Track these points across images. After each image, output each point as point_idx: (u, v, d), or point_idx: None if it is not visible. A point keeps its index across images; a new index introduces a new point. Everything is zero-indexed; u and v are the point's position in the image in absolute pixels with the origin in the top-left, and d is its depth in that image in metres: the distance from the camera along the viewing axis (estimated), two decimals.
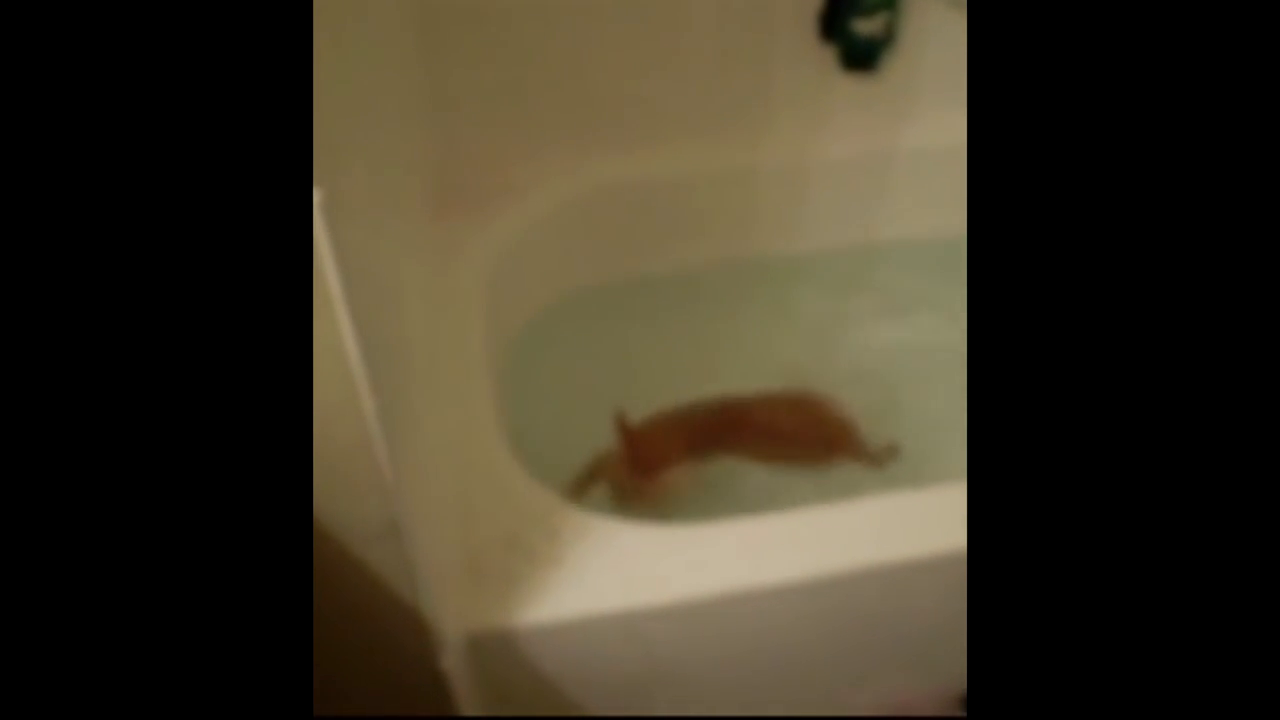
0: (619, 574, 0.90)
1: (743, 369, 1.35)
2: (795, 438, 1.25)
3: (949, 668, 1.10)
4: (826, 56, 1.35)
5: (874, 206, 1.50)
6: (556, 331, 1.39)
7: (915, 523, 0.96)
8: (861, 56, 1.35)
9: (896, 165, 1.46)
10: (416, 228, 1.12)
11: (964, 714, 1.15)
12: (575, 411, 1.33)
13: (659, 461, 1.12)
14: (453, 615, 0.84)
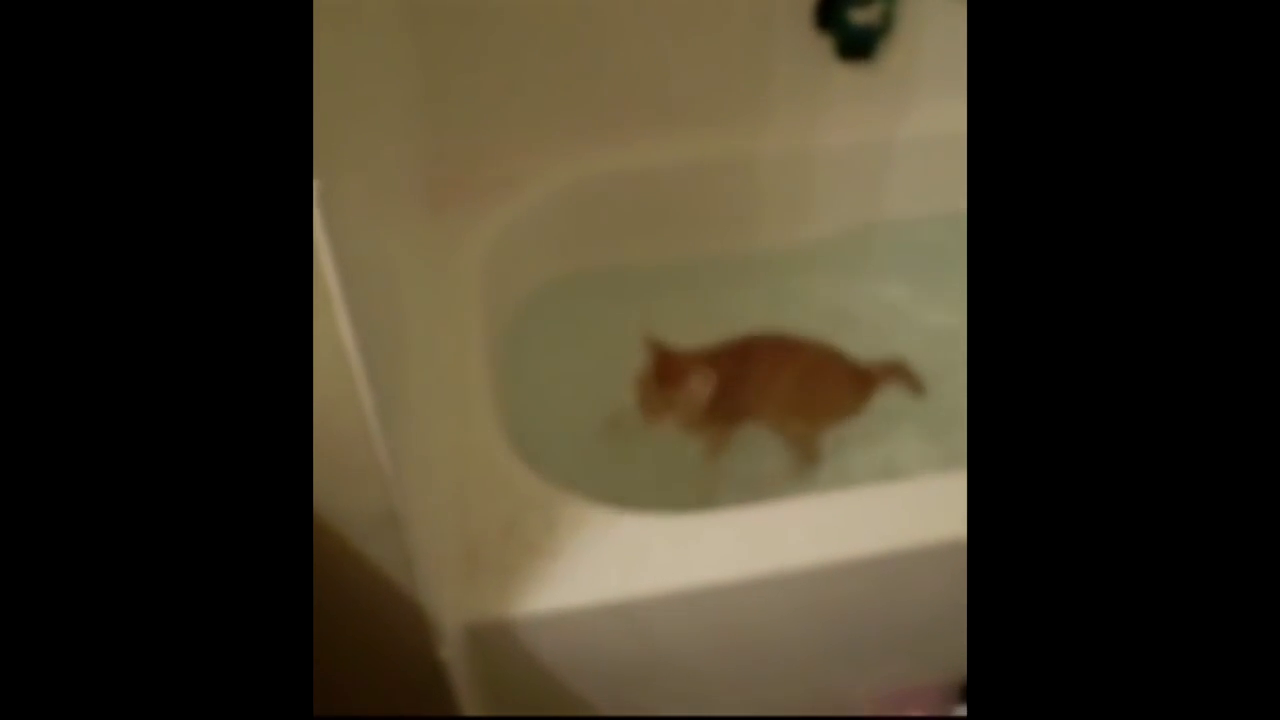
0: (617, 563, 0.91)
1: None
2: (824, 367, 1.25)
3: (949, 657, 1.10)
4: (823, 46, 1.35)
5: (872, 195, 1.50)
6: (554, 320, 1.39)
7: (915, 511, 0.96)
8: (858, 46, 1.35)
9: (894, 154, 1.46)
10: (413, 220, 1.12)
11: (963, 702, 1.15)
12: (572, 398, 1.33)
13: (684, 371, 1.13)
14: (451, 606, 0.84)
